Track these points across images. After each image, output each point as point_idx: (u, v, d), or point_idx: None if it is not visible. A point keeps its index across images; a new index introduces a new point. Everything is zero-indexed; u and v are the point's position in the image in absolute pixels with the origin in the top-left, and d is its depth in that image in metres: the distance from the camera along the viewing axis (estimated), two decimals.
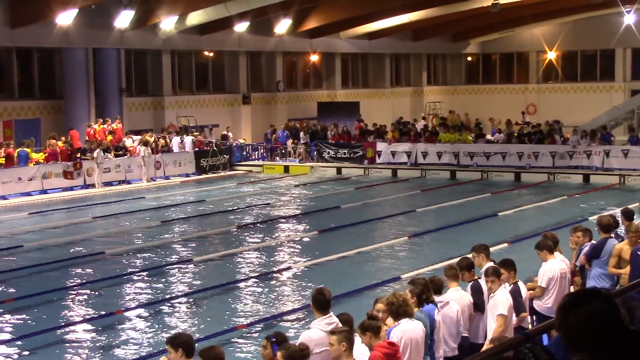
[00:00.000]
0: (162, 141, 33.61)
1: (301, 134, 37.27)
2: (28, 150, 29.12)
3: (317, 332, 7.63)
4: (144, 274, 17.21)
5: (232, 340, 12.62)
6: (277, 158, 37.00)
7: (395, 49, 47.96)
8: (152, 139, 32.55)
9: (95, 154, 29.72)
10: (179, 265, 18.01)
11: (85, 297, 15.63)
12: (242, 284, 16.25)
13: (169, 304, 14.85)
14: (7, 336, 13.16)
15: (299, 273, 17.20)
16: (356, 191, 29.70)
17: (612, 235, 11.53)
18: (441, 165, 33.20)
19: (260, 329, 13.22)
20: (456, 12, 41.91)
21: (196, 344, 7.49)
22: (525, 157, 32.07)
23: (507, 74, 53.05)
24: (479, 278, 9.73)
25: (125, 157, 31.55)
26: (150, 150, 31.62)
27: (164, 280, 16.80)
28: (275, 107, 41.79)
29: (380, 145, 34.66)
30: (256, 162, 36.78)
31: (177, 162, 33.56)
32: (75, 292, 15.89)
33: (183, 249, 19.92)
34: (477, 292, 9.57)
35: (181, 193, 29.87)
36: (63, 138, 30.60)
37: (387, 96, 47.92)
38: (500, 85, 52.63)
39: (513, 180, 31.19)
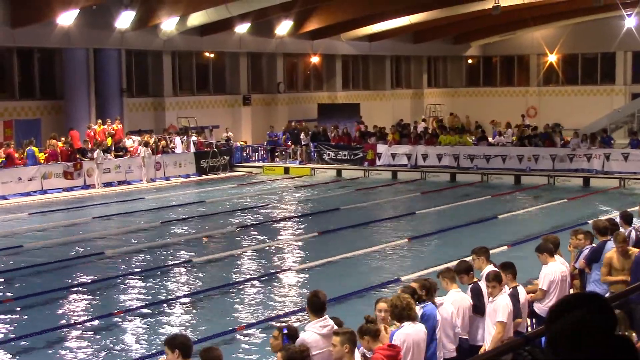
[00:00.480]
0: (163, 142, 33.60)
1: (302, 135, 37.27)
2: (35, 149, 29.16)
3: (311, 334, 7.64)
4: (144, 274, 17.20)
5: (231, 341, 12.62)
6: (277, 159, 37.02)
7: (396, 51, 47.98)
8: (152, 140, 32.54)
9: (95, 155, 29.73)
10: (179, 266, 18.01)
11: (85, 297, 15.63)
12: (241, 285, 16.25)
13: (168, 305, 14.85)
14: (7, 336, 13.16)
15: (299, 274, 17.21)
16: (356, 193, 29.71)
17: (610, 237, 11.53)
18: (441, 168, 33.22)
19: (259, 330, 13.23)
20: (457, 14, 41.93)
21: (195, 345, 7.50)
22: (526, 160, 32.08)
23: (507, 77, 53.07)
24: (479, 280, 9.73)
25: (125, 157, 31.57)
26: (150, 151, 31.63)
27: (163, 281, 16.80)
28: (275, 108, 41.81)
29: (381, 147, 34.67)
30: (256, 164, 36.81)
31: (177, 163, 33.57)
32: (74, 293, 15.89)
33: (183, 249, 19.92)
34: (477, 294, 9.57)
35: (181, 194, 29.87)
36: (63, 138, 30.61)
37: (387, 98, 47.94)
38: (500, 87, 52.64)
39: (513, 183, 31.19)
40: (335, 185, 32.02)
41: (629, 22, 42.65)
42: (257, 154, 38.02)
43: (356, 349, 7.32)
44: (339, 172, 34.54)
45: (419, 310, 8.39)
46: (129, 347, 12.58)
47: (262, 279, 16.75)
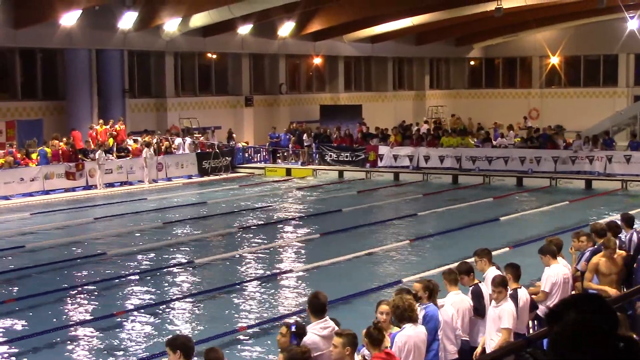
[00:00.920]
0: (165, 142, 33.61)
1: (304, 136, 37.27)
2: (48, 150, 29.19)
3: (311, 336, 7.64)
4: (146, 275, 17.21)
5: (233, 342, 12.62)
6: (280, 161, 37.02)
7: (398, 53, 47.97)
8: (154, 141, 32.55)
9: (96, 155, 29.75)
10: (181, 267, 18.01)
11: (87, 297, 15.64)
12: (243, 286, 16.25)
13: (170, 306, 14.86)
14: (7, 336, 13.16)
15: (300, 276, 17.20)
16: (358, 194, 29.70)
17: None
18: (443, 169, 33.21)
19: (261, 331, 13.23)
20: (460, 16, 41.91)
21: (197, 346, 7.50)
22: (528, 162, 32.06)
23: (510, 79, 53.04)
24: (480, 282, 9.72)
25: (127, 158, 31.59)
26: (152, 152, 31.64)
27: (165, 281, 16.80)
28: (277, 109, 41.81)
29: (383, 149, 34.67)
30: (258, 165, 36.82)
31: (179, 163, 33.58)
32: (76, 293, 15.90)
33: (184, 250, 19.92)
34: (477, 296, 9.55)
35: (183, 195, 29.88)
36: (65, 139, 30.62)
37: (389, 100, 47.93)
38: (503, 89, 52.62)
39: (515, 185, 31.18)
40: (337, 187, 32.02)
41: (632, 25, 42.58)
42: (259, 155, 38.02)
43: (356, 352, 7.33)
44: (341, 173, 34.53)
45: (420, 311, 8.39)
46: (131, 348, 12.58)
47: (264, 280, 16.76)
